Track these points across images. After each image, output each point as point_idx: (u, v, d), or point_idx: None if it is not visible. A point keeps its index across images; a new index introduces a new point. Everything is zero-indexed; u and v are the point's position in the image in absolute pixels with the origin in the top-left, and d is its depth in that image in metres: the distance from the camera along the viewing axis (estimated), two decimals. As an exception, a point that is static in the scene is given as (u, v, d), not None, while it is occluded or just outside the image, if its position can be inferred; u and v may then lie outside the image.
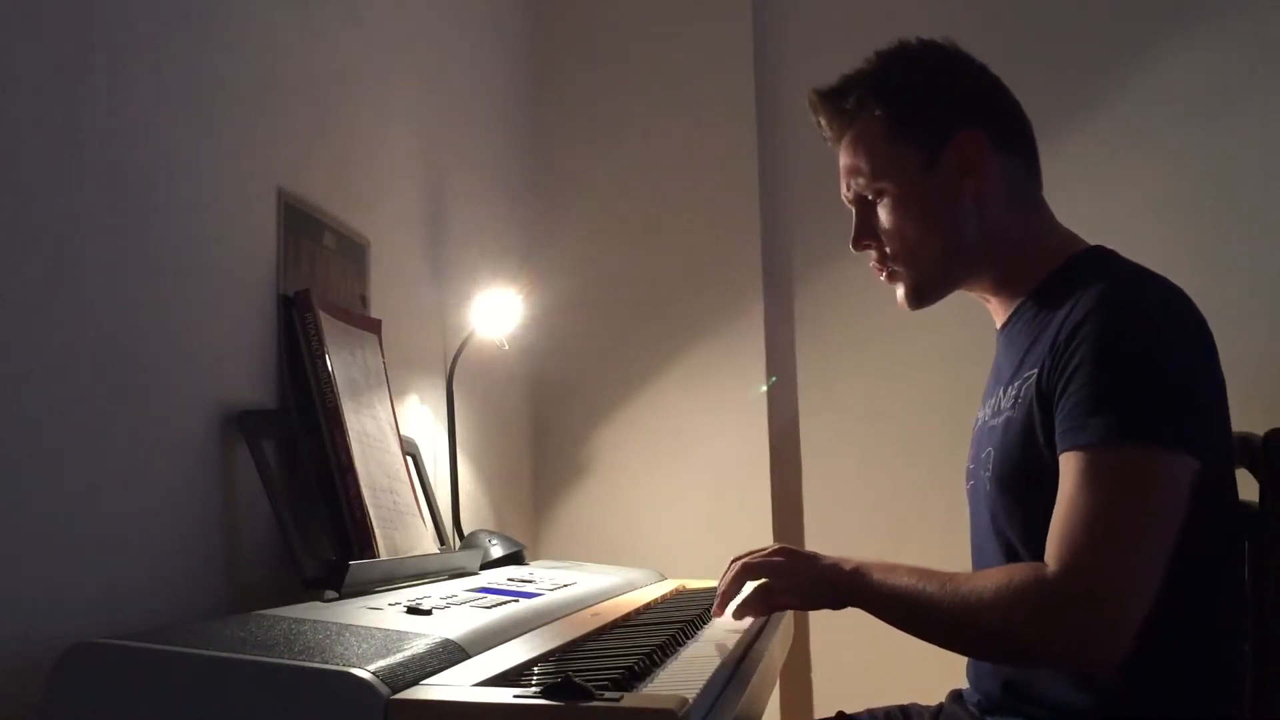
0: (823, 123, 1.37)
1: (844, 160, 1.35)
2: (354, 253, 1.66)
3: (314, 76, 1.58)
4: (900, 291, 1.34)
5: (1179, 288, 1.20)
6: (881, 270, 1.35)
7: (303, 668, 0.84)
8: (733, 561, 1.32)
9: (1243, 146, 2.33)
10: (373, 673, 0.82)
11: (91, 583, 1.08)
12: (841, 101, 1.33)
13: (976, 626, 1.12)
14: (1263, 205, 2.31)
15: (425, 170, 1.99)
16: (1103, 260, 1.27)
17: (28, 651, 0.98)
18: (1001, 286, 1.32)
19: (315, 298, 1.44)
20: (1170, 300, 1.18)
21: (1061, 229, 1.33)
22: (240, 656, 0.86)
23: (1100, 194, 2.35)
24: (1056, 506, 1.11)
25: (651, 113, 2.60)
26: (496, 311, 1.97)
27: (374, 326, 1.63)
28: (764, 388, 2.49)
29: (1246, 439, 1.25)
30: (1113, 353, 1.12)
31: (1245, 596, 1.21)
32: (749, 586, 1.31)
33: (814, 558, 1.27)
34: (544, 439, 2.59)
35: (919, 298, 1.33)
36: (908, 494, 2.40)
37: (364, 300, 1.68)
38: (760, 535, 2.43)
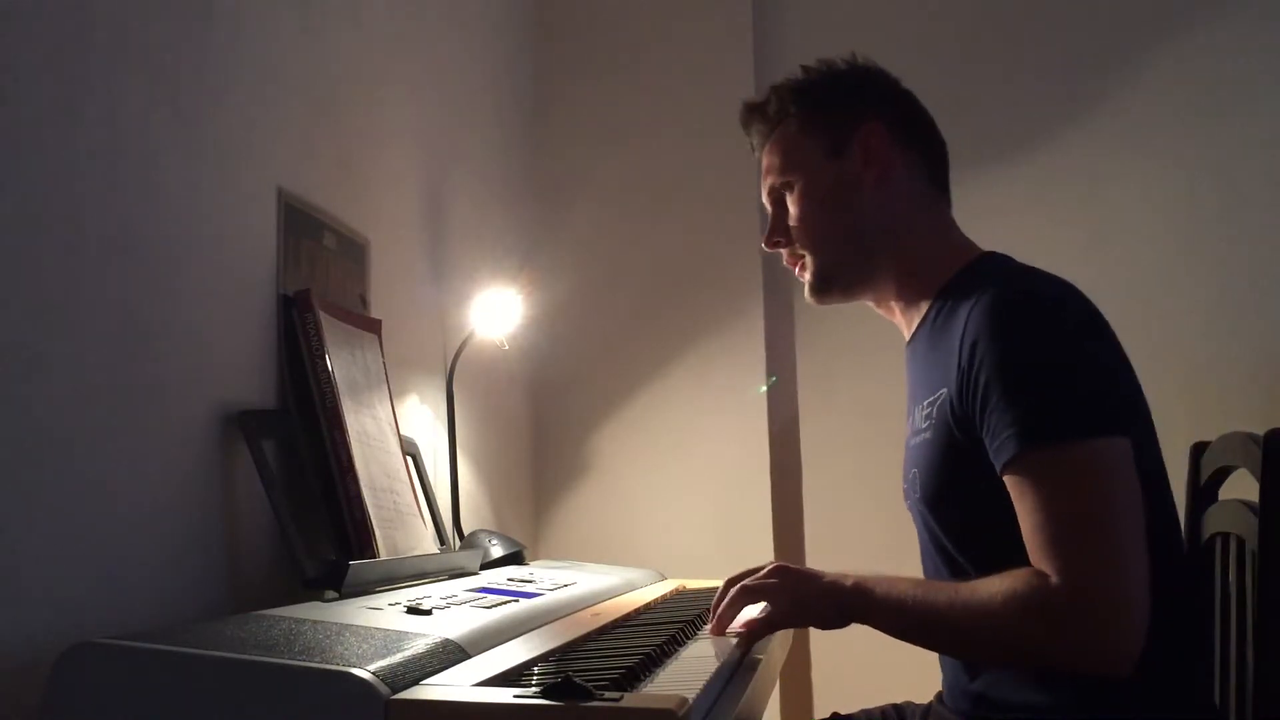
0: (752, 133, 1.44)
1: (765, 162, 1.41)
2: (354, 253, 1.66)
3: (314, 76, 1.58)
4: (805, 282, 1.38)
5: (1068, 282, 1.21)
6: (794, 264, 1.40)
7: (303, 668, 0.84)
8: (727, 584, 1.28)
9: (1243, 146, 2.33)
10: (373, 673, 0.82)
11: (91, 583, 1.08)
12: (765, 109, 1.41)
13: (987, 638, 1.12)
14: (1263, 205, 2.31)
15: (425, 170, 1.99)
16: (992, 266, 1.28)
17: (28, 651, 0.98)
18: (902, 292, 1.34)
19: (315, 298, 1.44)
20: (1058, 293, 1.19)
21: (961, 236, 1.35)
22: (240, 656, 0.86)
23: (1100, 194, 2.35)
24: (1022, 523, 1.11)
25: (651, 113, 2.60)
26: (496, 311, 1.97)
27: (374, 326, 1.63)
28: (764, 388, 2.49)
29: (1246, 439, 1.25)
30: (1013, 359, 1.13)
31: (1200, 580, 1.22)
32: (748, 610, 1.28)
33: (813, 576, 1.24)
34: (544, 439, 2.59)
35: (821, 287, 1.37)
36: (908, 494, 2.40)
37: (364, 300, 1.68)
38: (760, 535, 2.43)
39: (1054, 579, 1.07)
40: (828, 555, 2.46)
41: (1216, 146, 2.34)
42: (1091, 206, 2.36)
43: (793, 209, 1.36)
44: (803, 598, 1.23)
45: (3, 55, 1.00)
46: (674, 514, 2.48)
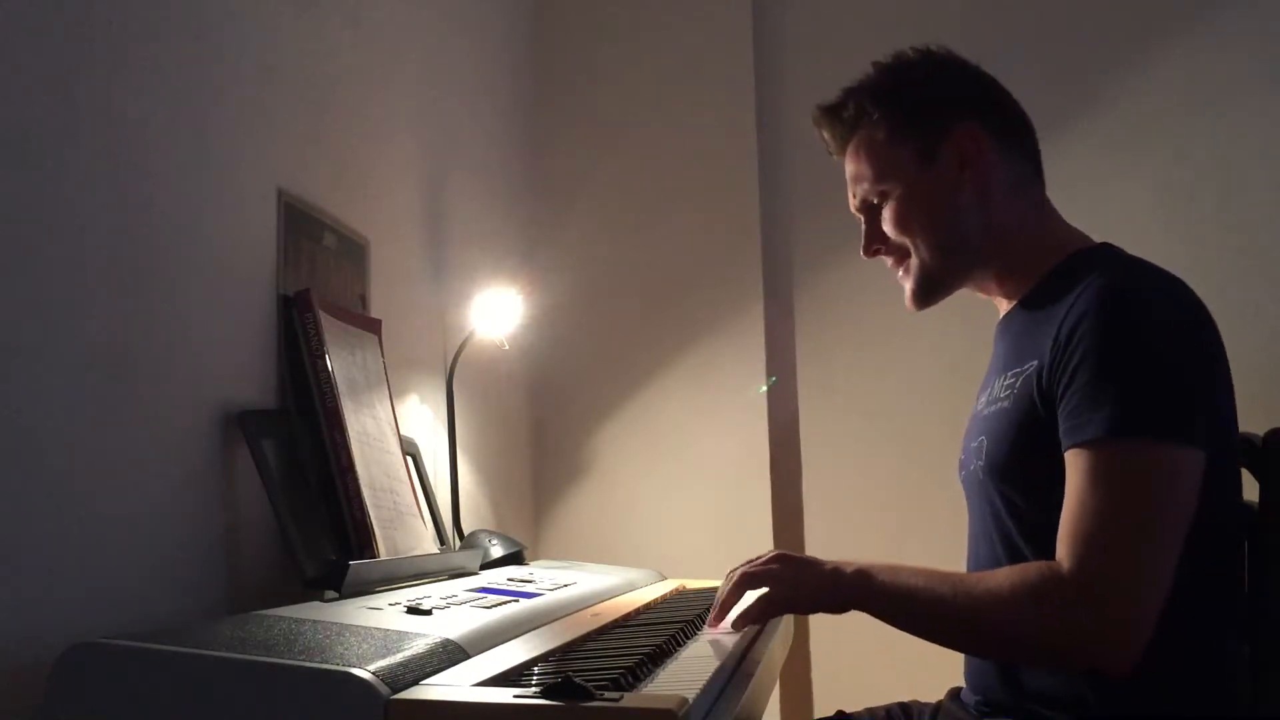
0: (826, 136, 1.40)
1: (849, 169, 1.37)
2: (354, 253, 1.66)
3: (314, 76, 1.58)
4: (907, 290, 1.35)
5: (1181, 280, 1.20)
6: (901, 265, 1.36)
7: (303, 668, 0.84)
8: (730, 574, 1.30)
9: (1244, 145, 2.33)
10: (373, 673, 0.82)
11: (91, 583, 1.08)
12: (841, 112, 1.36)
13: (990, 627, 1.12)
14: (1263, 204, 2.31)
15: (425, 170, 1.99)
16: (1105, 256, 1.27)
17: (28, 651, 0.98)
18: (1005, 281, 1.33)
19: (315, 298, 1.44)
20: (1171, 293, 1.18)
21: (1066, 226, 1.34)
22: (240, 656, 0.86)
23: (1101, 192, 2.35)
24: (1065, 504, 1.11)
25: (651, 113, 2.60)
26: (496, 311, 1.97)
27: (374, 326, 1.63)
28: (764, 388, 2.49)
29: (1246, 439, 1.25)
30: (1114, 348, 1.12)
31: (1245, 592, 1.22)
32: (749, 596, 1.29)
33: (813, 563, 1.26)
34: (544, 439, 2.59)
35: (925, 296, 1.34)
36: (908, 493, 2.40)
37: (364, 300, 1.68)
38: (760, 535, 2.43)
39: (1066, 566, 1.07)
40: (828, 555, 2.44)
41: (1217, 146, 2.34)
42: (1091, 206, 2.34)
43: (890, 219, 1.32)
44: (803, 582, 1.24)
45: (3, 55, 1.00)
46: (674, 514, 2.48)
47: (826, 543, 2.47)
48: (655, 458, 2.52)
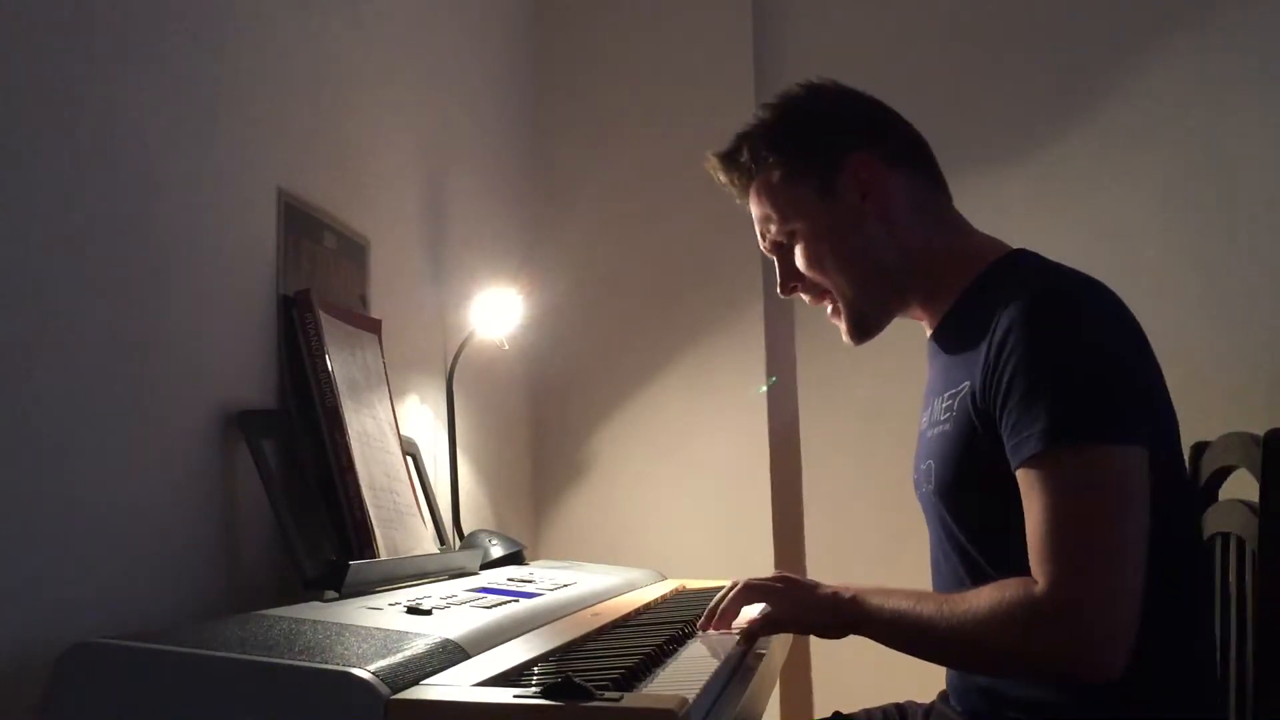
0: (724, 182, 1.40)
1: (754, 212, 1.38)
2: (354, 253, 1.66)
3: (314, 76, 1.58)
4: (842, 329, 1.35)
5: (1100, 282, 1.20)
6: (819, 301, 1.37)
7: (303, 668, 0.84)
8: (733, 584, 1.31)
9: (1244, 146, 2.33)
10: (373, 673, 0.82)
11: (91, 583, 1.08)
12: (737, 158, 1.37)
13: (975, 646, 1.13)
14: (1263, 205, 2.31)
15: (425, 170, 1.99)
16: (1024, 264, 1.27)
17: (28, 651, 0.98)
18: (927, 302, 1.33)
19: (315, 298, 1.44)
20: (1091, 295, 1.19)
21: (979, 235, 1.34)
22: (240, 656, 0.86)
23: (1101, 192, 2.35)
24: (1027, 521, 1.11)
25: (651, 112, 2.60)
26: (496, 311, 1.97)
27: (374, 326, 1.63)
28: (764, 388, 2.49)
29: (1246, 439, 1.25)
30: (1040, 359, 1.12)
31: (1208, 583, 1.22)
32: (748, 610, 1.31)
33: (814, 587, 1.27)
34: (544, 439, 2.59)
35: (860, 331, 1.34)
36: (908, 493, 2.38)
37: (364, 300, 1.68)
38: (760, 535, 2.43)
39: (1041, 585, 1.08)
40: (828, 555, 2.46)
41: (1217, 145, 2.34)
42: (1091, 205, 2.36)
43: (802, 256, 1.33)
44: (802, 603, 1.26)
45: (3, 55, 1.00)
46: (674, 514, 2.48)
47: (826, 543, 2.47)
48: (655, 458, 2.52)
